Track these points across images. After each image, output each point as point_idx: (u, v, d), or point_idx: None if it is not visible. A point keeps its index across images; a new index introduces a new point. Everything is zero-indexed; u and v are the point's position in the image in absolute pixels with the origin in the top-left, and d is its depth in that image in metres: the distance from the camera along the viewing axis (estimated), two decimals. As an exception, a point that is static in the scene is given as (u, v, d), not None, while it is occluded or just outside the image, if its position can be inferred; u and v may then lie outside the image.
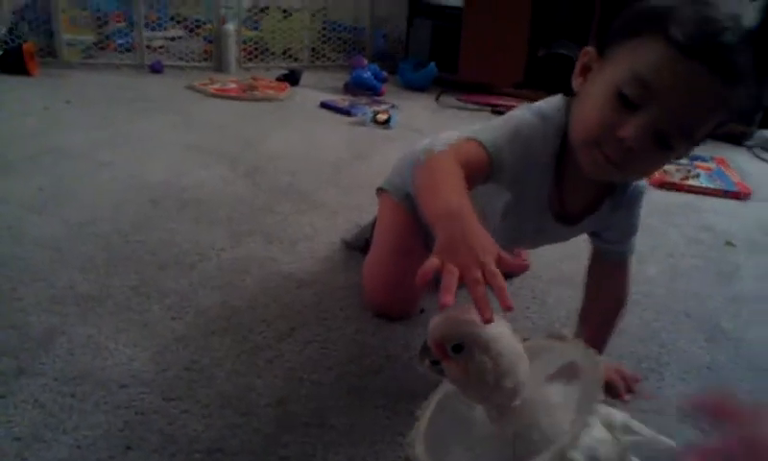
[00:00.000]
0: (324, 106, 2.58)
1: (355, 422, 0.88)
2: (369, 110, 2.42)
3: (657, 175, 2.03)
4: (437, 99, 2.88)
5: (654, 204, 1.84)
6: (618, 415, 0.70)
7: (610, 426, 0.68)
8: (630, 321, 1.17)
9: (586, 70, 0.84)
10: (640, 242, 1.51)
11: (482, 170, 0.84)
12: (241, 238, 1.37)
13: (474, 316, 0.60)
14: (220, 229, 1.41)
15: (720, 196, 2.00)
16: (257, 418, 0.86)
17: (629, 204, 0.96)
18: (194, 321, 1.06)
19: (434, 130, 2.37)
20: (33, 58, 2.73)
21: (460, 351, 0.62)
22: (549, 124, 0.88)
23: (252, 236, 1.39)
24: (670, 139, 0.77)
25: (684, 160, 2.21)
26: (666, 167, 2.11)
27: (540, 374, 0.69)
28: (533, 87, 2.85)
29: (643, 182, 0.97)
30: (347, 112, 2.49)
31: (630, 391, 0.99)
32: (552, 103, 0.90)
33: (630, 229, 1.00)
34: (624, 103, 0.76)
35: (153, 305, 1.10)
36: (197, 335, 1.02)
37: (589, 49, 0.84)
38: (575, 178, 0.89)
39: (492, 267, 0.63)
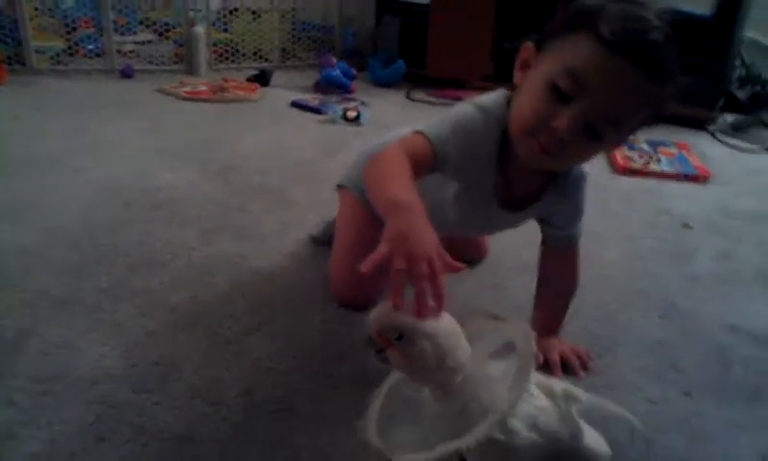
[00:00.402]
0: (295, 105, 2.60)
1: (320, 407, 0.92)
2: (339, 108, 2.45)
3: (620, 161, 2.10)
4: (407, 95, 2.92)
5: (616, 189, 1.91)
6: (558, 384, 0.75)
7: (550, 394, 0.73)
8: (587, 302, 1.22)
9: (525, 65, 0.89)
10: (601, 226, 1.57)
11: (427, 162, 0.89)
12: (212, 237, 1.40)
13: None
14: (191, 228, 1.43)
15: (680, 180, 2.06)
16: (226, 407, 0.90)
17: (571, 190, 1.01)
18: (164, 318, 1.09)
19: (403, 125, 2.42)
20: (0, 66, 2.72)
21: (401, 339, 0.67)
22: (490, 116, 0.92)
23: (223, 234, 1.42)
24: (600, 130, 0.82)
25: (646, 147, 2.27)
26: (629, 154, 2.18)
27: (480, 354, 0.73)
28: (502, 80, 2.90)
29: (584, 169, 1.02)
30: (317, 111, 2.52)
31: (584, 368, 1.04)
32: (494, 97, 0.95)
33: (575, 213, 1.05)
34: (558, 95, 0.82)
35: (123, 305, 1.13)
36: (166, 332, 1.06)
37: (529, 44, 0.89)
38: (517, 167, 0.95)
39: (436, 265, 0.67)
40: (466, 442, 0.63)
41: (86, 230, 1.40)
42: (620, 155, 2.15)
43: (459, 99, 2.84)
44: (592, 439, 0.78)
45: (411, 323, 0.66)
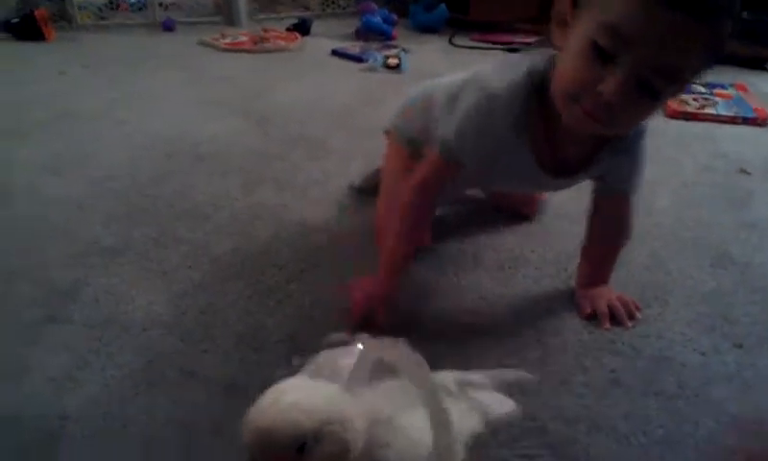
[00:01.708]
0: (336, 53, 2.57)
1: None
2: (379, 56, 2.41)
3: (673, 105, 2.01)
4: (450, 40, 2.85)
5: (669, 134, 1.83)
6: (449, 378, 0.69)
7: (451, 397, 0.66)
8: (637, 250, 1.18)
9: (562, 22, 0.82)
10: (652, 172, 1.51)
11: (444, 176, 0.96)
12: (254, 187, 1.41)
13: (293, 399, 0.52)
14: (233, 179, 1.44)
15: (738, 123, 1.96)
16: (269, 353, 0.91)
17: (629, 148, 0.95)
18: (209, 268, 1.11)
19: (447, 71, 2.37)
20: (47, 23, 2.76)
21: (302, 450, 0.50)
22: (510, 93, 0.88)
23: (265, 185, 1.42)
24: (653, 86, 0.75)
25: (702, 89, 2.17)
26: (683, 97, 2.08)
27: (355, 388, 0.59)
28: (547, 22, 2.81)
29: (643, 124, 0.94)
30: (358, 59, 2.48)
31: (632, 318, 1.01)
32: (516, 67, 0.89)
33: (633, 170, 0.98)
34: (601, 55, 0.74)
35: (170, 254, 1.15)
36: (212, 281, 1.07)
37: (565, 3, 0.82)
38: (565, 133, 0.89)
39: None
40: None
41: (132, 182, 1.42)
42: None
43: (503, 43, 2.76)
44: (496, 404, 0.72)
45: (313, 424, 0.51)
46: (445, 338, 0.95)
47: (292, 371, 0.63)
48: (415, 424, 0.57)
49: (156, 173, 1.46)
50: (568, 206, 1.32)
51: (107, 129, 1.73)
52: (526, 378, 0.77)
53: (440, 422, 0.56)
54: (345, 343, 0.62)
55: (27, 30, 2.70)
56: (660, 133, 1.84)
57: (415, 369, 0.57)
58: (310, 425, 0.50)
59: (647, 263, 1.18)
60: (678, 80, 0.77)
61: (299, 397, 0.52)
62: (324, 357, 0.61)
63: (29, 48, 2.63)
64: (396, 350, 0.58)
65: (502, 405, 0.72)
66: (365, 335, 0.60)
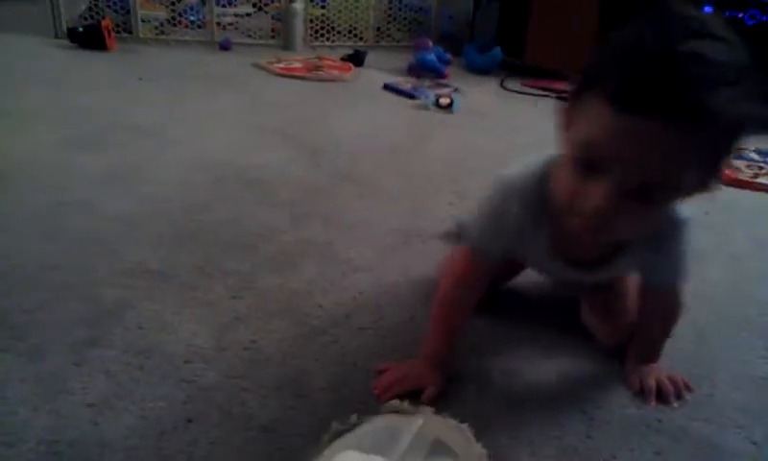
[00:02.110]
0: (388, 88, 2.59)
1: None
2: (432, 94, 2.41)
3: (726, 171, 1.96)
4: (502, 84, 2.85)
5: (719, 201, 1.78)
6: None
7: None
8: (685, 324, 1.14)
9: (565, 128, 0.77)
10: (702, 240, 1.47)
11: (478, 272, 0.95)
12: (301, 221, 1.41)
13: None
14: (282, 210, 1.45)
15: (795, 195, 1.91)
16: (312, 401, 0.89)
17: (666, 243, 0.88)
18: (254, 302, 1.11)
19: (497, 115, 2.36)
20: (110, 34, 2.84)
21: None
22: (525, 189, 0.86)
23: (313, 219, 1.42)
24: (645, 194, 0.68)
25: (756, 156, 2.13)
26: (736, 163, 2.03)
27: (405, 459, 0.60)
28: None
29: (684, 215, 0.87)
30: (410, 95, 2.50)
31: (679, 397, 0.97)
32: (532, 163, 0.87)
33: (673, 268, 0.92)
34: (584, 168, 0.70)
35: (215, 285, 1.15)
36: (256, 316, 1.06)
37: (564, 106, 0.77)
38: (570, 234, 0.82)
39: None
40: None
41: (181, 204, 1.43)
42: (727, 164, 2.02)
43: (554, 90, 2.75)
44: None
45: None
46: (489, 402, 0.92)
47: (348, 426, 0.62)
48: None
49: (204, 198, 1.47)
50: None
51: (159, 145, 1.76)
52: None
53: None
54: (407, 412, 0.60)
55: (91, 39, 2.78)
56: (711, 199, 1.79)
57: (474, 458, 0.55)
58: None
59: (695, 340, 1.13)
60: (674, 185, 0.70)
61: None
62: (383, 423, 0.60)
63: (90, 56, 2.70)
64: (459, 433, 0.56)
65: None
66: (428, 409, 0.59)
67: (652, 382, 0.98)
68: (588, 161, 0.69)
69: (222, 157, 1.71)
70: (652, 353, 1.03)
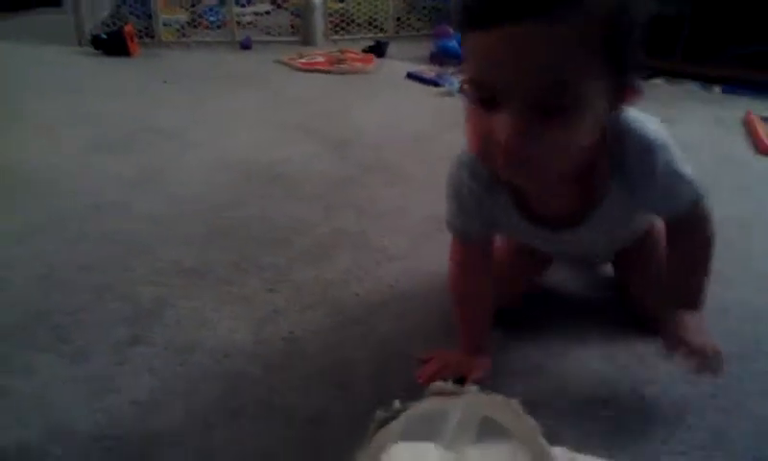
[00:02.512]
0: (411, 76, 2.57)
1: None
2: (455, 80, 2.39)
3: (766, 140, 1.91)
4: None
5: (761, 172, 1.74)
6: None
7: None
8: (730, 297, 1.11)
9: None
10: (744, 211, 1.43)
11: (477, 256, 0.93)
12: (332, 212, 1.40)
13: None
14: (310, 203, 1.44)
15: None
16: (354, 390, 0.89)
17: (639, 174, 0.80)
18: (290, 294, 1.10)
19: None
20: (133, 39, 2.87)
21: None
22: (464, 158, 0.86)
23: (343, 210, 1.41)
24: (553, 106, 0.64)
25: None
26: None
27: (458, 446, 0.58)
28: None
29: (649, 137, 0.79)
30: (433, 83, 2.47)
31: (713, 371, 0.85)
32: None
33: (667, 196, 0.83)
34: (484, 105, 0.66)
35: (251, 279, 1.15)
36: (293, 308, 1.06)
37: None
38: (527, 190, 0.83)
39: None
40: None
41: (210, 202, 1.44)
42: (765, 133, 1.96)
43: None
44: None
45: None
46: (535, 385, 0.91)
47: (393, 413, 0.61)
48: None
49: (233, 195, 1.48)
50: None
51: (185, 147, 1.77)
52: None
53: None
54: (452, 393, 0.59)
55: (114, 45, 2.81)
56: (752, 169, 1.75)
57: (527, 432, 0.53)
58: None
59: (745, 315, 1.10)
60: (573, 89, 0.64)
61: None
62: (428, 407, 0.59)
63: (114, 62, 2.73)
64: (508, 409, 0.54)
65: None
66: (474, 387, 0.57)
67: (699, 343, 0.84)
68: (483, 100, 0.66)
69: (247, 156, 1.71)
70: (688, 294, 0.90)
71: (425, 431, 0.57)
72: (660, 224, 0.97)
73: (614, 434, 0.82)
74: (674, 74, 2.66)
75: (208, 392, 0.88)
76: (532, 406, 0.66)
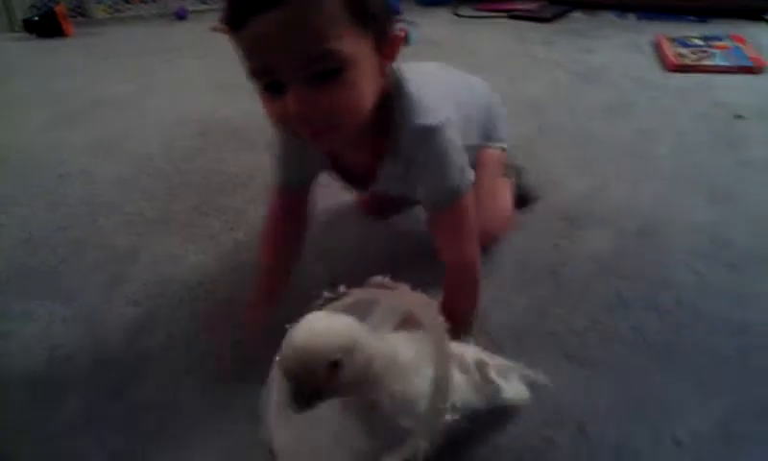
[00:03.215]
0: (345, 31, 2.67)
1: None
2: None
3: (672, 59, 2.09)
4: (454, 12, 2.94)
5: (668, 87, 1.93)
6: (471, 354, 0.72)
7: (464, 368, 0.70)
8: (640, 191, 1.29)
9: None
10: (652, 122, 1.61)
11: (293, 207, 1.00)
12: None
13: (323, 325, 0.60)
14: (261, 152, 1.56)
15: (734, 72, 2.04)
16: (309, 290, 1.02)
17: (416, 152, 0.85)
18: (250, 229, 1.23)
19: (453, 42, 2.47)
20: (66, 19, 2.88)
21: (336, 365, 0.57)
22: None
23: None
24: (320, 72, 0.70)
25: (700, 42, 2.26)
26: (681, 51, 2.17)
27: (382, 333, 0.66)
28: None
29: (430, 122, 0.84)
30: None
31: None
32: None
33: (434, 176, 0.87)
34: (269, 90, 0.74)
35: (212, 221, 1.27)
36: (254, 240, 1.19)
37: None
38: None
39: None
40: (409, 453, 0.58)
41: (169, 159, 1.55)
42: (671, 52, 2.15)
43: (506, 11, 2.85)
44: (511, 390, 0.74)
45: (343, 342, 0.58)
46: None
47: (324, 303, 0.70)
48: (419, 378, 0.62)
49: (189, 151, 1.59)
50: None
51: (139, 114, 1.86)
52: (540, 379, 0.76)
53: (439, 383, 0.60)
54: (386, 287, 0.68)
55: (48, 27, 2.82)
56: (659, 85, 1.93)
57: (435, 329, 0.63)
58: (341, 345, 0.57)
59: (648, 202, 1.27)
60: (334, 54, 0.70)
61: (330, 324, 0.59)
62: (360, 295, 0.69)
63: (52, 44, 2.75)
64: (428, 308, 0.64)
65: (517, 393, 0.75)
66: (406, 285, 0.67)
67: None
68: (267, 86, 0.74)
69: (199, 115, 1.81)
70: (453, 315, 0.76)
71: (359, 313, 0.66)
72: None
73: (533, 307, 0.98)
74: (592, 6, 2.83)
75: (188, 314, 1.01)
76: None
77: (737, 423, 0.78)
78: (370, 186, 0.95)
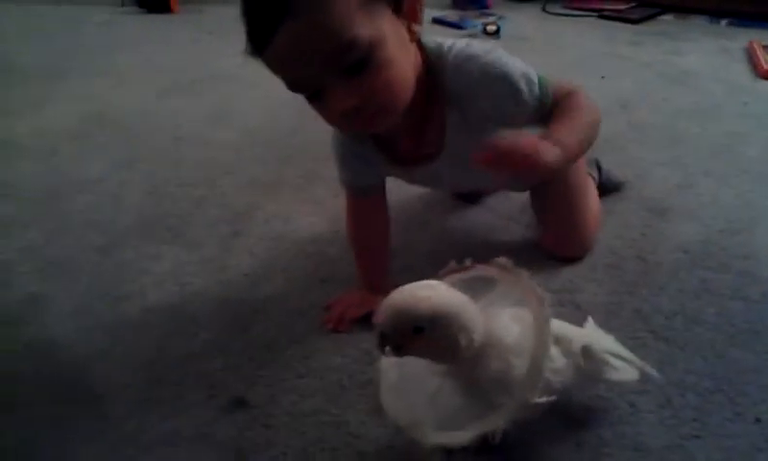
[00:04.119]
0: (437, 21, 2.75)
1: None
2: (479, 23, 2.57)
3: (765, 65, 2.08)
4: (543, 8, 2.97)
5: (759, 93, 1.92)
6: (578, 338, 0.73)
7: (568, 352, 0.71)
8: (725, 191, 1.32)
9: None
10: (741, 125, 1.62)
11: (369, 206, 1.04)
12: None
13: (422, 293, 0.62)
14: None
15: (831, 84, 2.02)
16: (415, 260, 1.12)
17: (463, 85, 0.84)
18: (354, 199, 1.33)
19: (541, 37, 2.51)
20: (172, -5, 3.07)
21: (420, 331, 0.61)
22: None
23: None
24: (351, 63, 0.71)
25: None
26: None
27: (495, 310, 0.70)
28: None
29: (463, 54, 0.84)
30: (458, 26, 2.65)
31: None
32: None
33: (507, 93, 0.84)
34: (314, 97, 0.77)
35: (318, 189, 1.38)
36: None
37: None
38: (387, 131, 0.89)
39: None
40: (494, 423, 0.62)
41: (275, 132, 1.67)
42: (765, 59, 2.13)
43: (595, 10, 2.86)
44: (618, 371, 0.76)
45: (428, 312, 0.61)
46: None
47: (463, 267, 0.74)
48: (520, 361, 0.65)
49: (295, 125, 1.70)
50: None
51: (245, 88, 1.99)
52: (647, 369, 0.78)
53: (535, 361, 0.64)
54: (507, 270, 0.70)
55: (157, 3, 3.01)
56: (750, 91, 1.93)
57: (540, 320, 0.65)
58: (428, 314, 0.61)
59: (734, 201, 1.30)
60: (360, 40, 0.70)
61: (428, 293, 0.63)
62: (482, 272, 0.72)
63: (159, 19, 2.94)
64: (538, 298, 0.67)
65: (625, 373, 0.77)
66: (525, 271, 0.69)
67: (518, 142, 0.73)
68: (310, 96, 0.77)
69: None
70: (561, 131, 0.80)
71: (478, 288, 0.71)
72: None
73: (621, 285, 1.04)
74: (683, 10, 2.82)
75: (301, 267, 1.13)
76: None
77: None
78: (434, 166, 0.93)
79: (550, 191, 1.07)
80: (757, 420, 0.80)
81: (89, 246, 1.22)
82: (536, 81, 0.86)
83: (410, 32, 0.79)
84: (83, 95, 2.02)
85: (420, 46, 0.84)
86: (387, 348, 0.63)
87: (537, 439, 0.76)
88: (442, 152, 0.92)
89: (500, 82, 0.84)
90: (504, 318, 0.69)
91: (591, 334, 0.79)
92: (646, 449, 0.75)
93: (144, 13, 3.03)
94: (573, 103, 0.85)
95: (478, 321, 0.65)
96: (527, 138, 0.72)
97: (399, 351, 0.63)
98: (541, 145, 0.73)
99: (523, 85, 0.85)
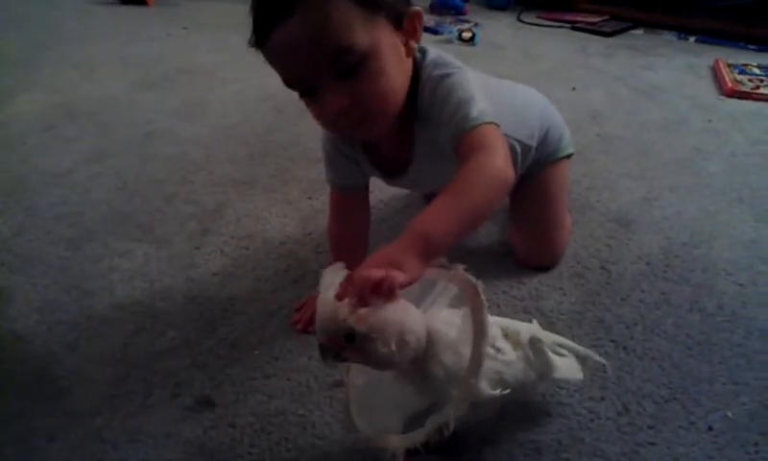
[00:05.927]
0: (412, 25, 2.76)
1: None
2: (454, 29, 2.60)
3: (729, 84, 2.14)
4: (518, 17, 3.01)
5: (723, 110, 1.98)
6: (525, 331, 0.76)
7: (517, 344, 0.74)
8: (688, 205, 1.36)
9: None
10: (704, 142, 1.67)
11: (351, 202, 1.06)
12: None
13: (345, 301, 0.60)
14: (334, 132, 1.67)
15: (792, 103, 2.08)
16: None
17: (429, 101, 0.84)
18: (326, 199, 1.32)
19: (515, 46, 2.54)
20: (148, -12, 3.04)
21: (352, 339, 0.60)
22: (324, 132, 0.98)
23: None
24: (346, 67, 0.73)
25: (757, 71, 2.30)
26: (739, 77, 2.21)
27: (436, 308, 0.71)
28: (613, 3, 2.95)
29: (438, 74, 0.84)
30: (433, 31, 2.68)
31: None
32: None
33: (449, 115, 0.81)
34: (304, 95, 0.79)
35: (292, 189, 1.39)
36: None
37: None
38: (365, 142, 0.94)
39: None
40: (446, 415, 0.62)
41: (249, 129, 1.67)
42: (729, 78, 2.20)
43: (568, 21, 2.91)
44: (564, 369, 0.79)
45: (355, 320, 0.59)
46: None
47: None
48: (468, 351, 0.65)
49: (269, 123, 1.71)
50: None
51: (219, 84, 1.99)
52: (596, 359, 0.82)
53: (476, 345, 0.64)
54: (443, 267, 0.68)
55: (130, -5, 2.98)
56: (715, 108, 1.98)
57: (477, 310, 0.65)
58: (352, 322, 0.59)
59: (696, 215, 1.34)
60: (355, 46, 0.72)
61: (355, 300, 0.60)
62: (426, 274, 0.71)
63: (134, 11, 2.91)
64: (473, 289, 0.66)
65: (569, 371, 0.80)
66: (460, 266, 0.67)
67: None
68: (303, 93, 0.79)
69: (277, 90, 1.90)
70: (428, 220, 0.70)
71: (422, 290, 0.71)
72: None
73: (586, 296, 1.07)
74: (654, 25, 2.88)
75: (271, 267, 1.13)
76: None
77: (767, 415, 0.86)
78: (409, 173, 0.95)
79: (528, 204, 1.12)
80: (710, 428, 0.83)
81: (58, 239, 1.21)
82: (487, 115, 0.80)
83: (407, 47, 0.80)
84: (54, 86, 1.99)
85: (415, 61, 0.85)
86: (329, 359, 0.63)
87: (496, 443, 0.78)
88: (410, 164, 0.95)
89: (451, 99, 0.82)
90: (444, 314, 0.70)
91: (539, 328, 0.80)
92: (603, 455, 0.77)
93: (119, 5, 3.00)
94: (472, 176, 0.74)
95: (413, 321, 0.64)
96: (374, 262, 0.62)
97: (339, 357, 0.63)
98: (392, 264, 0.61)
99: (473, 108, 0.80)
